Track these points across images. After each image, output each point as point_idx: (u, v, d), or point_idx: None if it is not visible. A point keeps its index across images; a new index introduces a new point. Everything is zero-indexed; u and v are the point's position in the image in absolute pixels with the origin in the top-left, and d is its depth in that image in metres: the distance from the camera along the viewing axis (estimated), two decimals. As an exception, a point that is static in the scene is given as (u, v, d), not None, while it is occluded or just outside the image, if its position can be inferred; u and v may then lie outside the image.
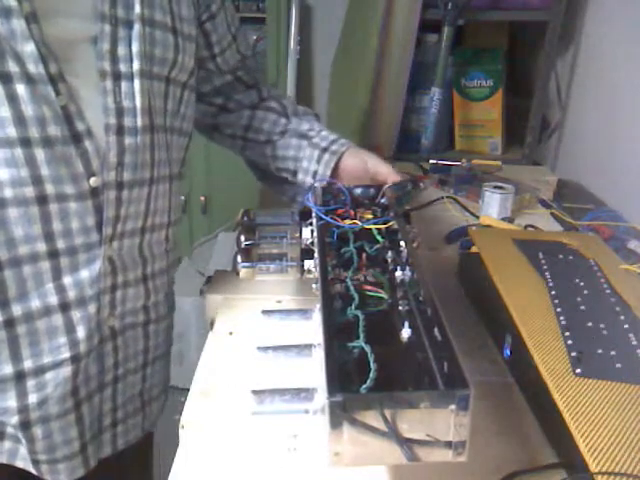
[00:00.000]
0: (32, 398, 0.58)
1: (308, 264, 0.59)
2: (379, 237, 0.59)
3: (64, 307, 0.57)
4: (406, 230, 0.58)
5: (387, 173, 0.72)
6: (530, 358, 0.52)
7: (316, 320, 0.47)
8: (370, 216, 0.64)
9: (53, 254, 0.55)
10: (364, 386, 0.37)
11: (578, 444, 0.43)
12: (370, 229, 0.60)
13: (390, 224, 0.61)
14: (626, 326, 0.56)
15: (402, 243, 0.56)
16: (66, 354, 0.58)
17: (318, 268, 0.53)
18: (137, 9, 0.55)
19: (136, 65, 0.56)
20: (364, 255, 0.56)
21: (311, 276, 0.59)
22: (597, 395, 0.47)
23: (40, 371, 0.57)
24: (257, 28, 1.99)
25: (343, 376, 0.38)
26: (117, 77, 0.55)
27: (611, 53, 1.19)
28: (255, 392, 0.45)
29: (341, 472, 0.45)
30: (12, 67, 0.49)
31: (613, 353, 0.52)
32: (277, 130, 0.77)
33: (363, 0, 1.40)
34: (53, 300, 0.56)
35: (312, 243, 0.60)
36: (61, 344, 0.57)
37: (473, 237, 0.75)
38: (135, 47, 0.56)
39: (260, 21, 1.97)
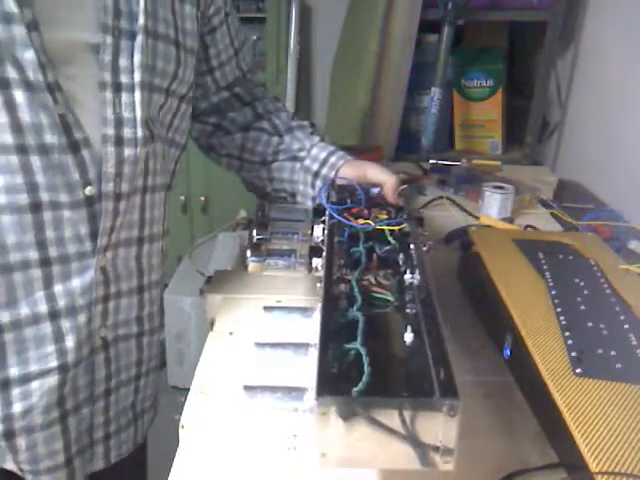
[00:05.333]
0: (17, 407, 0.57)
1: (316, 262, 0.58)
2: (391, 239, 0.58)
3: (53, 315, 0.56)
4: (417, 233, 0.58)
5: (389, 181, 0.69)
6: (530, 358, 0.52)
7: (316, 319, 0.47)
8: (384, 216, 0.63)
9: (45, 262, 0.55)
10: (355, 389, 0.37)
11: (578, 444, 0.43)
12: (382, 230, 0.59)
13: (402, 226, 0.60)
14: (626, 326, 0.56)
15: (412, 246, 0.55)
16: (53, 363, 0.57)
17: (324, 266, 0.52)
18: (141, 20, 0.55)
19: (137, 76, 0.55)
20: (374, 256, 0.55)
21: (318, 274, 0.58)
22: (597, 395, 0.47)
23: (26, 379, 0.57)
24: (257, 28, 1.99)
25: (336, 378, 0.38)
26: (117, 88, 0.55)
27: (611, 53, 1.19)
28: (247, 387, 0.45)
29: (342, 472, 0.45)
30: (11, 73, 0.49)
31: (613, 353, 0.52)
32: (270, 151, 0.77)
33: (363, 1, 1.41)
34: (43, 308, 0.55)
35: (323, 241, 0.59)
36: (49, 352, 0.57)
37: (473, 237, 0.75)
38: (137, 59, 0.55)
39: (260, 21, 1.97)
